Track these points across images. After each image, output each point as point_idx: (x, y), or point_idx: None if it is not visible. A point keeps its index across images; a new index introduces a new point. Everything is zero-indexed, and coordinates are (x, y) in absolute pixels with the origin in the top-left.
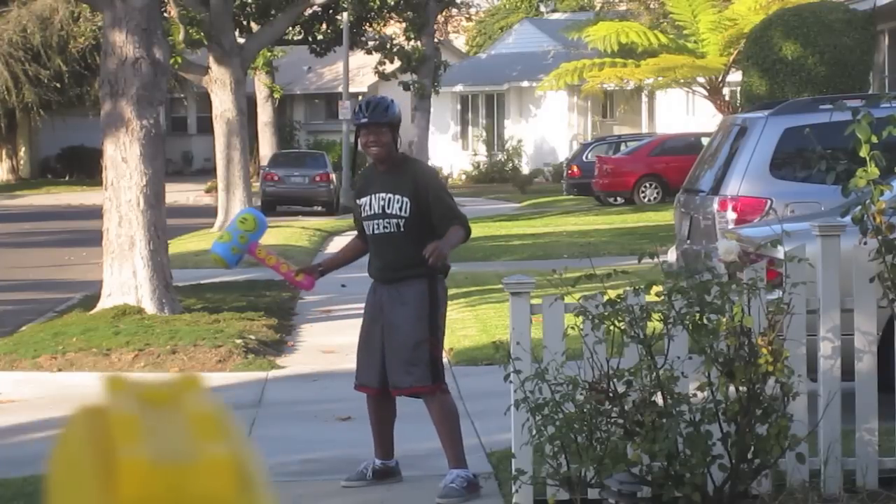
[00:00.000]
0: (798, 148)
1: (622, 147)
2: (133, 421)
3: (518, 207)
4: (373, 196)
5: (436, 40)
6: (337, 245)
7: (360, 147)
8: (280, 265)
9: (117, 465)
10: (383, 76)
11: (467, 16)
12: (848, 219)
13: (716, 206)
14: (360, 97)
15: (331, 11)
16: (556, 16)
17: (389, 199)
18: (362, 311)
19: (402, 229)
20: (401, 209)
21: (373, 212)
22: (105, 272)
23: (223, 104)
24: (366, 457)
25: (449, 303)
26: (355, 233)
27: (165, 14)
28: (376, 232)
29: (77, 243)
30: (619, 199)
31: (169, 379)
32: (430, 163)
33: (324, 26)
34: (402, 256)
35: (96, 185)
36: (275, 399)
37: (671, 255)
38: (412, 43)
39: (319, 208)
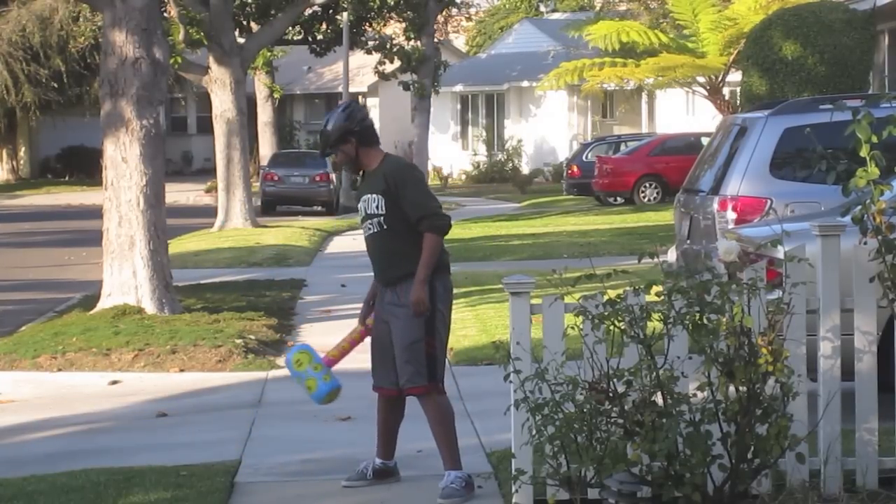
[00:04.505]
0: (798, 148)
1: (622, 147)
2: None
3: (518, 207)
4: (361, 200)
5: (436, 40)
6: (337, 245)
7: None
8: (352, 342)
9: None
10: (383, 76)
11: (467, 16)
12: (848, 219)
13: (716, 206)
14: (360, 97)
15: (331, 11)
16: (556, 16)
17: (368, 199)
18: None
19: (384, 227)
20: (377, 207)
21: (361, 215)
22: (105, 272)
23: (223, 104)
24: (366, 456)
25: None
26: (356, 232)
27: (165, 14)
28: (365, 235)
29: (77, 243)
30: (619, 199)
31: None
32: (430, 163)
33: (324, 26)
34: (389, 255)
35: (96, 185)
36: (275, 399)
37: (671, 255)
38: (412, 43)
39: (319, 208)
